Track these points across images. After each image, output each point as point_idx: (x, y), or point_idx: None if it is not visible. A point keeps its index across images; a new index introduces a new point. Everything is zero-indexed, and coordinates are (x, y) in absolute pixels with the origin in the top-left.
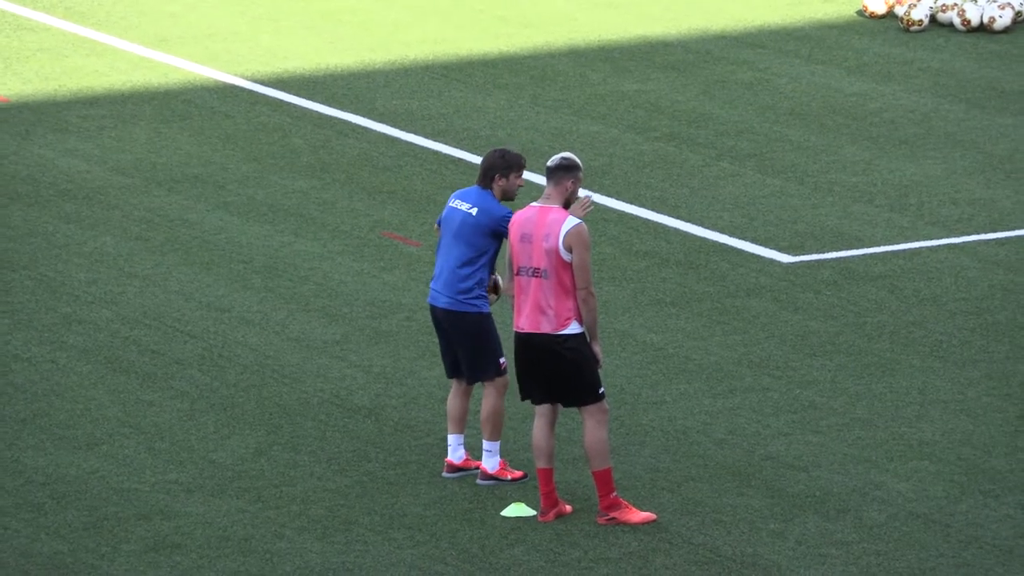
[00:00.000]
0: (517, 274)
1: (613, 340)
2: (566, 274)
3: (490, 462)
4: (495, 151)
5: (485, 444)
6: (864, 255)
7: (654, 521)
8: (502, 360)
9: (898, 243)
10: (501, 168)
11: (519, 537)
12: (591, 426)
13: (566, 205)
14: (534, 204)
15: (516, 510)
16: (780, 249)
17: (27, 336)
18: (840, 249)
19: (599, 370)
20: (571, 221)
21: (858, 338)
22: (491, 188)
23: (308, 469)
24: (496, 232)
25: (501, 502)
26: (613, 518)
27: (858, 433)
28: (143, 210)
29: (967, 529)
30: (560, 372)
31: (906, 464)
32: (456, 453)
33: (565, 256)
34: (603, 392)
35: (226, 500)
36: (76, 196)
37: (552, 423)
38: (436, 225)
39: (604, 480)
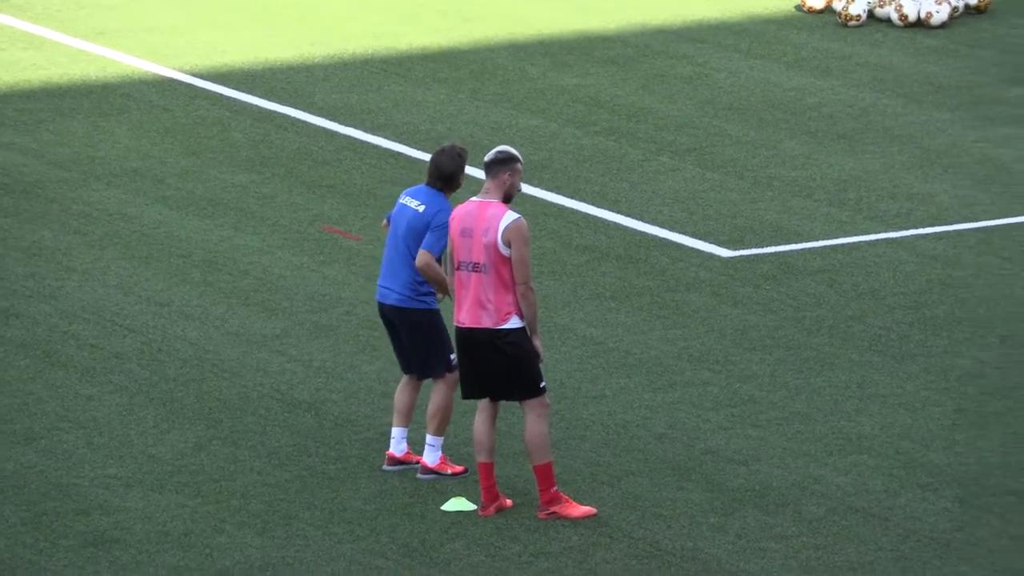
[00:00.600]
0: (457, 269)
1: (553, 334)
2: (505, 269)
3: (431, 456)
4: (449, 150)
5: (428, 438)
6: (803, 249)
7: (594, 515)
8: (452, 356)
9: (837, 237)
10: (462, 168)
11: (459, 531)
12: (532, 420)
13: (506, 199)
14: (473, 199)
15: (456, 504)
16: (720, 243)
17: None
18: (779, 243)
19: (540, 365)
20: (510, 216)
21: (797, 332)
22: (453, 190)
23: (248, 464)
24: (430, 224)
25: (441, 496)
26: (553, 512)
27: (797, 427)
28: (81, 204)
29: (906, 522)
30: (501, 367)
31: (845, 458)
32: (399, 446)
33: (504, 251)
34: (544, 386)
35: (166, 495)
36: (13, 190)
37: (493, 418)
38: (384, 221)
39: (545, 474)
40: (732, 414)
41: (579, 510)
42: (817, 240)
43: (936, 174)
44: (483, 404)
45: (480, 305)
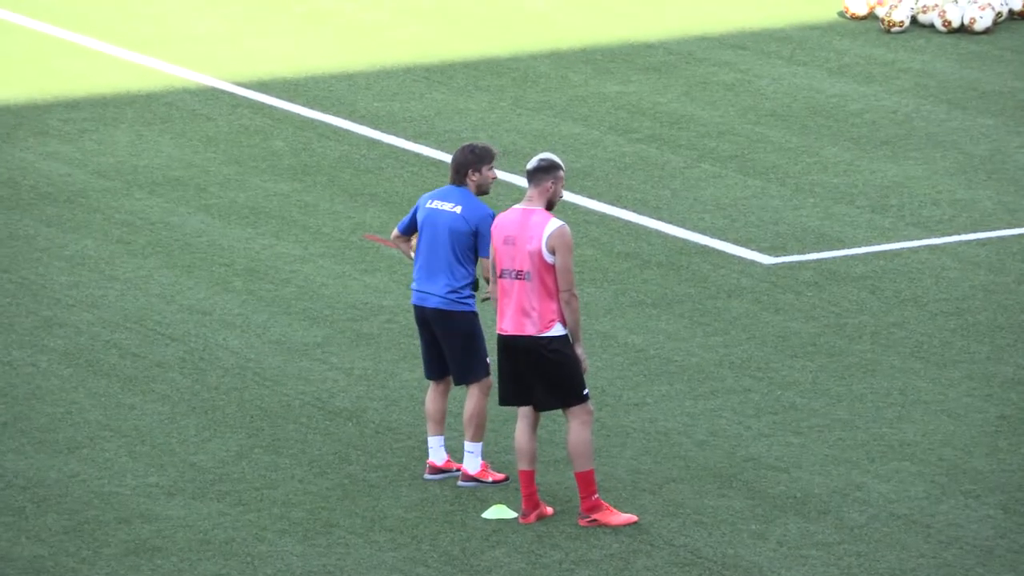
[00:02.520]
0: (500, 277)
1: (595, 341)
2: (549, 276)
3: (472, 464)
4: (464, 147)
5: (467, 445)
6: (845, 256)
7: (635, 523)
8: (488, 360)
9: (879, 244)
10: (473, 163)
11: (500, 539)
12: (575, 427)
13: (549, 206)
14: (517, 207)
15: (497, 512)
16: (761, 250)
17: (8, 339)
18: (821, 250)
19: (583, 372)
20: (554, 223)
21: (839, 339)
22: (466, 185)
23: (289, 472)
24: (478, 231)
25: (482, 504)
26: (595, 520)
27: (839, 434)
28: (124, 213)
29: (948, 529)
30: (544, 374)
31: (887, 465)
32: (438, 455)
33: (548, 258)
34: (587, 393)
35: (207, 503)
36: (57, 199)
37: (534, 425)
38: (397, 231)
39: (586, 482)
40: (774, 421)
41: (620, 518)
42: (859, 247)
43: (979, 180)
44: (524, 411)
45: (524, 313)
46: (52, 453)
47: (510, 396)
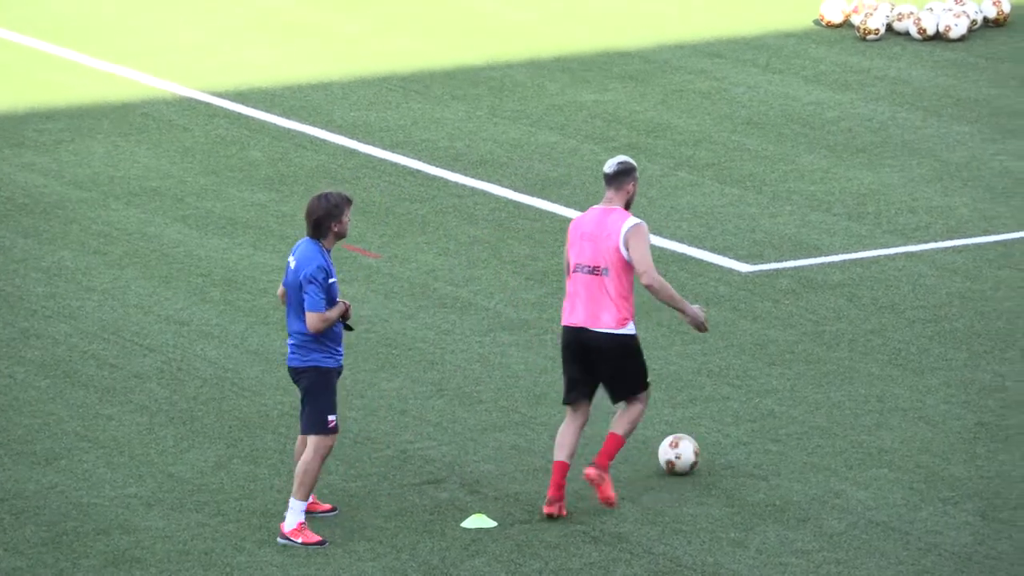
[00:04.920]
0: (574, 271)
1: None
2: (626, 274)
3: (291, 519)
4: (318, 198)
5: (292, 501)
6: (822, 263)
7: (613, 506)
8: (332, 418)
9: (856, 251)
10: (335, 215)
11: (480, 548)
12: (637, 406)
13: (626, 206)
14: (596, 207)
15: (476, 522)
16: (738, 258)
17: None
18: (798, 258)
19: (701, 318)
20: (631, 220)
21: (817, 347)
22: (325, 237)
23: (268, 482)
24: (309, 280)
25: (462, 514)
26: (602, 477)
27: (817, 441)
28: (101, 224)
29: (926, 536)
30: (617, 368)
31: (865, 472)
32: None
33: (624, 254)
34: (649, 381)
35: (186, 514)
36: (34, 210)
37: (582, 426)
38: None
39: (614, 446)
40: (752, 429)
41: (611, 494)
42: (836, 254)
43: (955, 187)
44: (578, 411)
45: (599, 308)
46: (30, 465)
47: (575, 392)
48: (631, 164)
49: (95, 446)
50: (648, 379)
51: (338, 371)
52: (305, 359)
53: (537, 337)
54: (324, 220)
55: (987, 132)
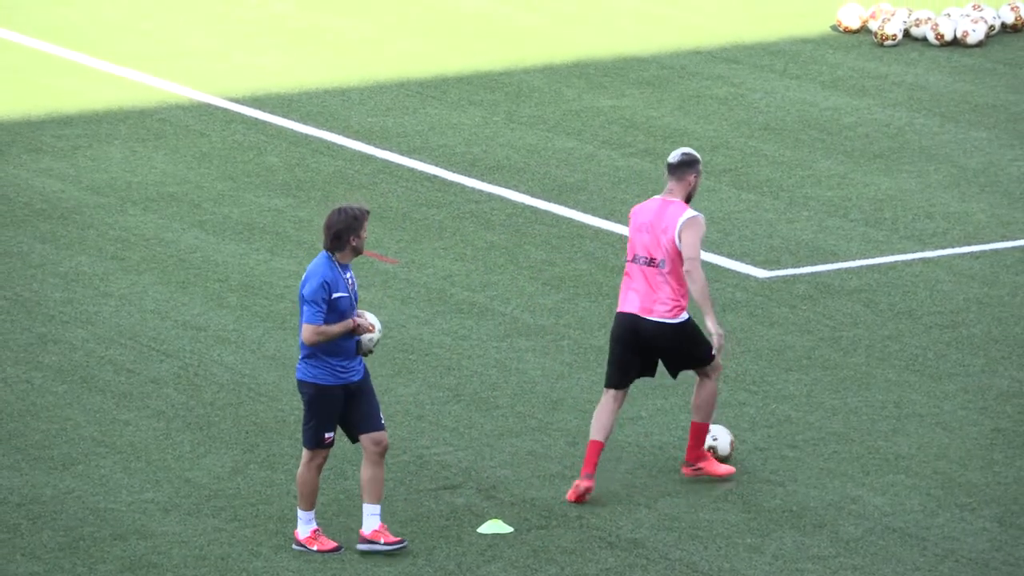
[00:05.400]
0: (632, 261)
1: (589, 356)
2: (680, 265)
3: (369, 523)
4: (337, 211)
5: (368, 507)
6: (839, 269)
7: (732, 473)
8: (327, 435)
9: (873, 257)
10: (354, 228)
11: (496, 554)
12: (708, 382)
13: (687, 199)
14: (656, 197)
15: (493, 527)
16: (755, 264)
17: (2, 356)
18: (815, 263)
19: (716, 347)
20: (689, 212)
21: (833, 352)
22: (342, 250)
23: (285, 488)
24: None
25: (478, 519)
26: (700, 468)
27: (834, 447)
28: (118, 229)
29: (943, 543)
30: (675, 352)
31: (882, 478)
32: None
33: (679, 246)
34: (714, 353)
35: (202, 519)
36: (51, 216)
37: (618, 408)
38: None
39: (700, 434)
40: (768, 435)
41: (722, 468)
42: (853, 260)
43: (973, 193)
44: (615, 395)
45: (654, 299)
46: (47, 470)
47: (617, 377)
48: (695, 156)
49: (112, 451)
50: (713, 352)
51: (344, 387)
52: (307, 374)
53: (554, 343)
54: (343, 233)
55: (1005, 138)
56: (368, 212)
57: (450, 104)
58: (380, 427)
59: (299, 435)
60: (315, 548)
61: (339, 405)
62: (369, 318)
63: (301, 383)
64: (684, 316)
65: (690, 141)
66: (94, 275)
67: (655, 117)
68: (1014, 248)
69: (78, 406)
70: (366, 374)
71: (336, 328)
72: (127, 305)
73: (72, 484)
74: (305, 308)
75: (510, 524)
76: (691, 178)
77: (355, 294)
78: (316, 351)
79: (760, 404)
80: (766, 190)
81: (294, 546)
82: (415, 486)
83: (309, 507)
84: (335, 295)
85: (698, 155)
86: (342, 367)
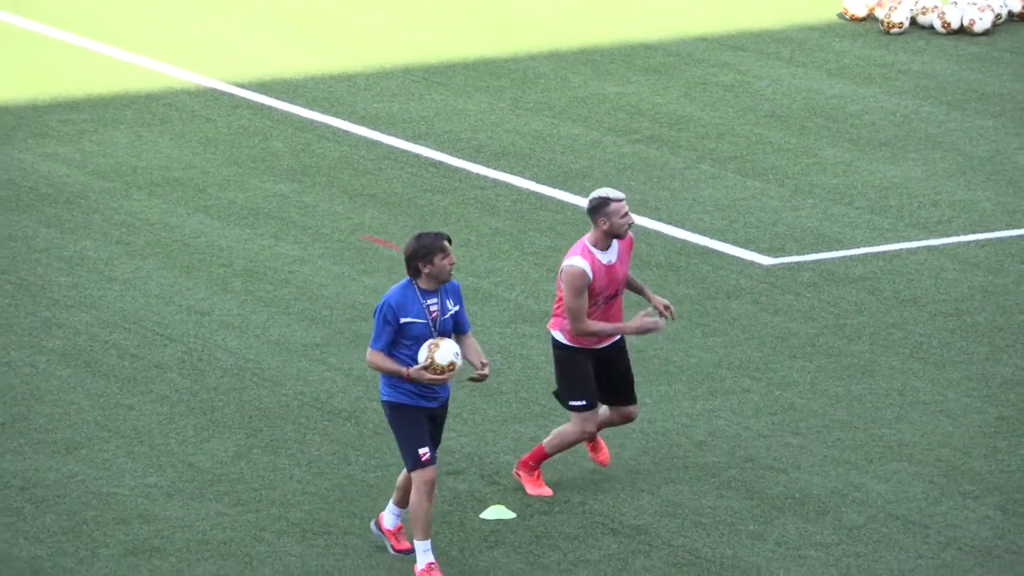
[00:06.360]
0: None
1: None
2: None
3: (420, 560)
4: (413, 237)
5: (416, 543)
6: (844, 257)
7: (549, 495)
8: (421, 451)
9: (878, 245)
10: (421, 255)
11: (498, 539)
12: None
13: (594, 241)
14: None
15: (496, 512)
16: (760, 251)
17: (6, 340)
18: (820, 251)
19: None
20: (566, 261)
21: (838, 340)
22: (417, 276)
23: (288, 472)
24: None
25: (480, 505)
26: (519, 474)
27: (838, 435)
28: (123, 214)
29: (946, 530)
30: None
31: (885, 466)
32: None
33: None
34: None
35: (205, 504)
36: (56, 200)
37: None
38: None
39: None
40: (772, 422)
41: (537, 489)
42: (858, 247)
43: (979, 181)
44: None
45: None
46: (50, 454)
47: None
48: (594, 201)
49: (115, 435)
50: (573, 401)
51: (424, 409)
52: (383, 391)
53: None
54: (411, 260)
55: (1011, 126)
56: (444, 237)
57: (456, 90)
58: (432, 462)
59: (303, 419)
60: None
61: (424, 420)
62: (443, 354)
63: (382, 403)
64: (557, 334)
65: (696, 128)
66: (99, 260)
67: (661, 104)
68: (1019, 236)
69: (82, 390)
70: (444, 406)
71: (388, 365)
72: (131, 290)
73: (75, 468)
74: (375, 326)
75: (513, 510)
76: (599, 221)
77: (443, 322)
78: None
79: (764, 391)
80: (771, 177)
81: (391, 551)
82: None
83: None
84: (403, 320)
85: (603, 195)
86: (419, 390)
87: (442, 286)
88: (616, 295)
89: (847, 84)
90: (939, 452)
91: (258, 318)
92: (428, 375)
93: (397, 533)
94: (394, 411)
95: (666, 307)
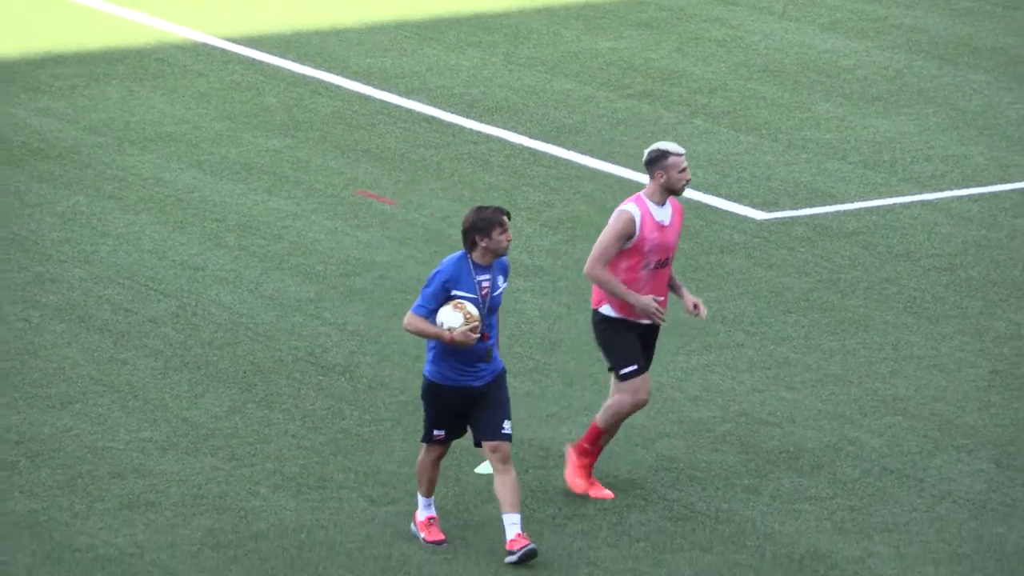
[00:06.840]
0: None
1: (586, 297)
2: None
3: (509, 532)
4: (471, 211)
5: (507, 517)
6: (838, 211)
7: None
8: (436, 432)
9: (871, 199)
10: (479, 229)
11: (493, 494)
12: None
13: (651, 192)
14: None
15: (490, 467)
16: (754, 206)
17: (0, 295)
18: (814, 205)
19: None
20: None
21: (832, 294)
22: (473, 249)
23: (282, 427)
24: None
25: (476, 459)
26: (571, 457)
27: (832, 389)
28: (116, 169)
29: (940, 484)
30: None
31: (879, 420)
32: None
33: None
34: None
35: (200, 458)
36: (49, 155)
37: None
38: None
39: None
40: (766, 376)
41: (580, 480)
42: (852, 202)
43: (971, 136)
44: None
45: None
46: (45, 408)
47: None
48: (652, 153)
49: (110, 390)
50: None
51: (463, 390)
52: (426, 368)
53: (551, 283)
54: (468, 232)
55: (1003, 81)
56: (504, 213)
57: (448, 45)
58: (498, 436)
59: (297, 374)
60: (423, 536)
61: (453, 405)
62: (470, 306)
63: (423, 378)
64: (605, 308)
65: (688, 83)
66: (92, 215)
67: (653, 59)
68: (1012, 191)
69: (76, 345)
70: (496, 379)
71: (429, 329)
72: (125, 244)
73: (70, 422)
74: (420, 295)
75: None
76: (656, 174)
77: (493, 298)
78: (440, 349)
79: (758, 346)
80: (765, 132)
81: (412, 527)
82: (412, 426)
83: (427, 493)
84: (455, 292)
85: (663, 148)
86: (462, 369)
87: (495, 262)
88: (666, 263)
89: (840, 39)
90: (933, 406)
91: (252, 273)
92: (474, 335)
93: (428, 524)
94: (427, 388)
95: (695, 306)
